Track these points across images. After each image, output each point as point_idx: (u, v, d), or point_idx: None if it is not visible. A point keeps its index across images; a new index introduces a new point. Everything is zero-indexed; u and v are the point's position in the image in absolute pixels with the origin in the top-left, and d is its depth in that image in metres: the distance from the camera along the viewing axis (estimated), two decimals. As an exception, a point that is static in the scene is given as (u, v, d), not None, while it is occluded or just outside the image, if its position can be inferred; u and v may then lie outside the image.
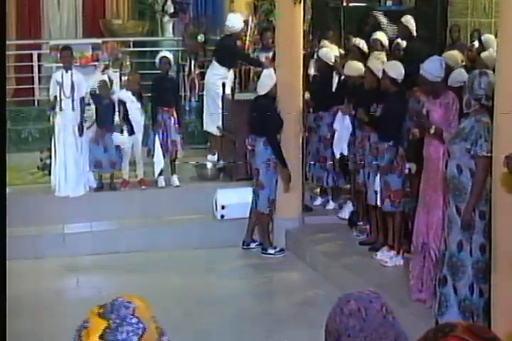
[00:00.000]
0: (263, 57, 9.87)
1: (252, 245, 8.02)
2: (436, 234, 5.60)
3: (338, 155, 7.86)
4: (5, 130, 3.03)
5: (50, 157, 8.60)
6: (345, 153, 7.66)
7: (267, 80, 7.80)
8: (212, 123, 9.53)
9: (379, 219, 7.07)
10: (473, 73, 5.19)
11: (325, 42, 9.13)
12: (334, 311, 1.92)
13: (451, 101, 5.65)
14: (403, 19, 8.67)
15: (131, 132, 8.56)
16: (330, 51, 8.42)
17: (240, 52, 10.00)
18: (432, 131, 5.57)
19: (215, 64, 9.60)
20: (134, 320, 1.70)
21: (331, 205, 8.37)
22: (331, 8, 11.95)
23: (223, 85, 9.27)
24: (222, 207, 8.27)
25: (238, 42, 10.17)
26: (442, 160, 5.46)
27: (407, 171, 6.50)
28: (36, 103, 10.88)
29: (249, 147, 7.79)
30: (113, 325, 1.69)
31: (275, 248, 7.89)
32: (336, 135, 7.73)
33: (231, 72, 9.65)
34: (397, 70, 6.63)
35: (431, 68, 5.70)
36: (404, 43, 8.31)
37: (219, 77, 9.42)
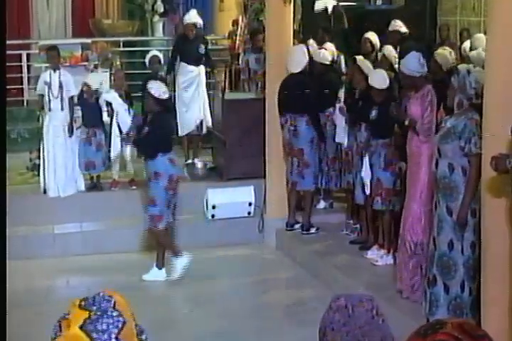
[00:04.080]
0: (253, 59, 9.86)
1: (296, 226, 7.87)
2: (411, 226, 5.76)
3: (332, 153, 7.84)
4: (5, 130, 3.02)
5: (39, 157, 8.59)
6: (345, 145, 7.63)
7: (299, 57, 7.66)
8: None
9: (369, 218, 7.08)
10: (462, 73, 5.22)
11: (311, 41, 9.11)
12: (327, 308, 1.96)
13: (425, 93, 5.80)
14: (391, 24, 8.73)
15: (119, 131, 8.55)
16: (325, 52, 8.39)
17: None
18: (407, 122, 5.73)
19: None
20: (114, 313, 1.72)
21: (322, 205, 8.37)
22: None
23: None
24: (213, 207, 8.28)
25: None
26: (423, 155, 5.63)
27: (397, 170, 6.52)
28: (25, 103, 10.88)
29: (290, 127, 7.64)
30: (94, 316, 1.70)
31: (317, 228, 7.80)
32: (337, 129, 7.66)
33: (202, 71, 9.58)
34: (380, 79, 6.69)
35: (409, 63, 5.94)
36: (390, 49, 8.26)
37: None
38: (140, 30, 12.40)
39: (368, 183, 6.76)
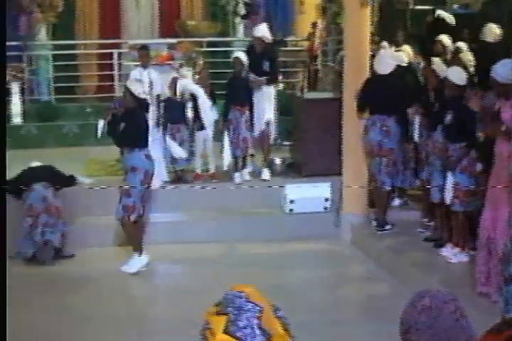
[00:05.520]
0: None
1: (387, 227, 7.97)
2: (503, 230, 5.71)
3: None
4: (5, 130, 3.28)
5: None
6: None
7: (388, 59, 7.84)
8: None
9: (444, 217, 7.14)
10: None
11: (384, 43, 9.30)
12: (409, 304, 1.99)
13: None
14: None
15: (203, 128, 8.94)
16: (403, 54, 8.58)
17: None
18: (503, 128, 5.74)
19: None
20: (250, 305, 1.78)
21: (397, 202, 8.55)
22: (397, 10, 12.11)
23: None
24: (291, 202, 8.56)
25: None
26: None
27: (475, 172, 6.61)
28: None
29: (381, 128, 7.73)
30: (232, 316, 1.75)
31: (391, 225, 7.92)
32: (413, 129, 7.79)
33: None
34: (459, 76, 6.78)
35: (502, 71, 5.86)
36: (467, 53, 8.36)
37: None
38: (222, 31, 12.78)
39: (449, 186, 6.83)
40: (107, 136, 7.38)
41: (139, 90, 7.19)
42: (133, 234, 7.43)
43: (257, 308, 1.77)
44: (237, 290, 1.81)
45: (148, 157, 7.31)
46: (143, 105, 7.30)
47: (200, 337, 1.79)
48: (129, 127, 7.11)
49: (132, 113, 7.20)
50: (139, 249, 7.41)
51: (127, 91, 7.21)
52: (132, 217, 7.25)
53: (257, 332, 1.74)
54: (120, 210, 7.24)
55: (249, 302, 1.78)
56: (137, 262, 7.39)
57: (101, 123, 7.36)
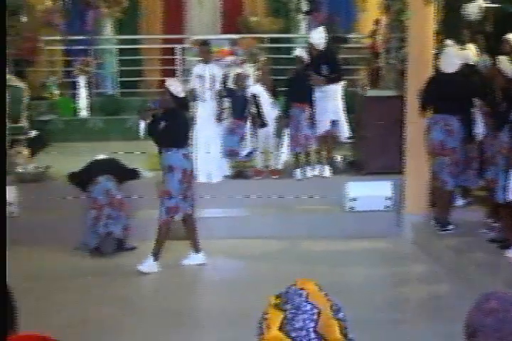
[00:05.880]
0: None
1: (434, 223, 7.94)
2: None
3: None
4: (5, 130, 3.33)
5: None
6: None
7: (453, 58, 7.79)
8: None
9: (510, 218, 7.04)
10: None
11: (448, 41, 9.19)
12: (474, 306, 1.96)
13: None
14: None
15: (264, 125, 8.97)
16: (469, 52, 8.49)
17: None
18: None
19: None
20: (308, 307, 1.75)
21: (460, 202, 8.45)
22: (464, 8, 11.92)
23: None
24: (353, 199, 8.54)
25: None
26: None
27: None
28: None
29: (444, 127, 7.68)
30: (289, 315, 1.74)
31: (454, 225, 7.85)
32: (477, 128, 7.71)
33: None
34: None
35: None
36: None
37: None
38: (284, 28, 12.81)
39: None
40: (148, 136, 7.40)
41: (178, 89, 7.18)
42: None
43: (315, 310, 1.75)
44: (298, 287, 1.80)
45: (186, 156, 7.29)
46: (183, 104, 7.30)
47: (257, 326, 1.80)
48: (168, 127, 7.12)
49: (172, 112, 7.20)
50: (196, 247, 7.47)
51: (166, 90, 7.20)
52: (177, 217, 7.27)
53: (312, 335, 1.72)
54: (163, 213, 7.21)
55: (308, 302, 1.76)
56: (195, 259, 7.48)
57: (142, 124, 7.36)
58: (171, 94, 7.14)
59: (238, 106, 8.91)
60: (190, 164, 7.34)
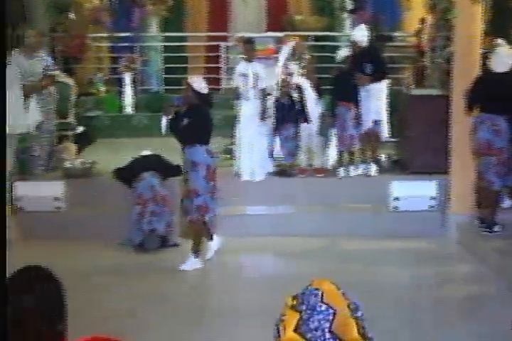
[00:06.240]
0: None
1: (479, 223, 7.84)
2: None
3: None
4: (5, 129, 3.36)
5: (233, 143, 9.16)
6: None
7: (505, 58, 7.70)
8: None
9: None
10: None
11: (499, 41, 9.08)
12: None
13: None
14: None
15: (307, 121, 8.96)
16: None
17: None
18: None
19: None
20: (323, 307, 1.77)
21: (508, 203, 8.32)
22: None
23: None
24: (396, 199, 8.48)
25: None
26: None
27: None
28: (222, 91, 11.55)
29: (491, 127, 7.58)
30: (305, 316, 1.76)
31: (501, 226, 7.74)
32: None
33: None
34: None
35: None
36: None
37: None
38: (329, 26, 12.79)
39: None
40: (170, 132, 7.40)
41: (201, 85, 7.14)
42: (203, 230, 7.31)
43: (330, 311, 1.75)
44: (314, 287, 1.80)
45: (209, 152, 7.20)
46: (206, 101, 7.23)
47: (274, 328, 1.80)
48: (191, 123, 7.06)
49: (195, 109, 7.14)
50: (196, 250, 7.32)
51: (189, 87, 7.15)
52: (207, 218, 7.20)
53: (327, 335, 1.73)
54: (194, 212, 7.11)
55: (324, 303, 1.76)
56: (193, 263, 7.32)
57: (164, 120, 7.33)
58: (194, 91, 7.10)
59: (287, 111, 8.85)
60: (213, 160, 7.26)
